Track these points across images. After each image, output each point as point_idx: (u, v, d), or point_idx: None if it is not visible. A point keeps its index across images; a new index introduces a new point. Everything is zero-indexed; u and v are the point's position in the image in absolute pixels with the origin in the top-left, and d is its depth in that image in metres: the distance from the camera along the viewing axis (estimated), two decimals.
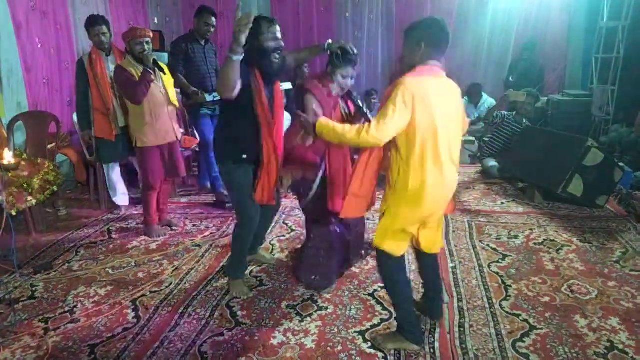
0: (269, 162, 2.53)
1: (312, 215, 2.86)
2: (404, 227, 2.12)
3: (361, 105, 2.59)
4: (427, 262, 2.40)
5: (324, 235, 2.77)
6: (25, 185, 3.40)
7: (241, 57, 2.16)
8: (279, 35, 2.42)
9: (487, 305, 2.63)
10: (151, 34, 3.37)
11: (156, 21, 6.45)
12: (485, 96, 5.90)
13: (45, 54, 4.71)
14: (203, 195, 4.64)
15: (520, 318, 2.51)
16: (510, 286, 2.83)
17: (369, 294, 2.76)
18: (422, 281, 2.50)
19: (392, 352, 2.23)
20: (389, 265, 2.20)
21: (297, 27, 6.29)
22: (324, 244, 2.78)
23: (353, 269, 3.04)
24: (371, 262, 3.13)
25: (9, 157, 3.41)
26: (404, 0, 6.06)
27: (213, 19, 4.17)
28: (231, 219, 4.00)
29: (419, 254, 2.39)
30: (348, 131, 2.01)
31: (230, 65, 2.17)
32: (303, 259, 2.88)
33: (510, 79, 5.92)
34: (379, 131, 1.92)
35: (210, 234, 3.73)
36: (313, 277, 2.80)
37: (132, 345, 2.34)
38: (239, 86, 2.28)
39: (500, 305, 2.64)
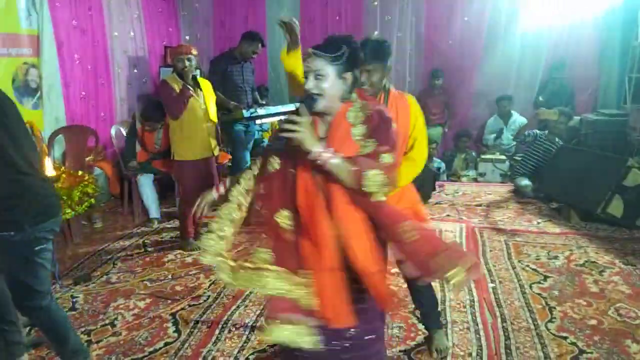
0: None
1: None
2: None
3: None
4: None
5: None
6: (65, 197, 3.47)
7: None
8: None
9: (532, 327, 2.57)
10: (194, 52, 3.43)
11: (187, 38, 6.59)
12: (515, 114, 5.86)
13: (83, 70, 4.82)
14: None
15: (568, 341, 2.44)
16: (554, 308, 2.76)
17: (409, 312, 2.72)
18: None
19: None
20: None
21: (325, 21, 6.30)
22: None
23: (392, 286, 2.99)
24: None
25: (50, 170, 3.49)
26: (432, 21, 6.08)
27: (261, 47, 4.27)
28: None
29: None
30: None
31: None
32: None
33: (540, 99, 5.87)
34: None
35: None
36: None
37: None
38: None
39: (547, 327, 2.57)
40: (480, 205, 4.68)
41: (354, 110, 1.55)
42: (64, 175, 3.63)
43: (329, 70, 1.50)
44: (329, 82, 1.51)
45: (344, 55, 1.50)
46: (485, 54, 6.02)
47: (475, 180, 5.61)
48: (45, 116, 4.39)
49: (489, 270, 3.23)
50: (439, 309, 2.52)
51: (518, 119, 5.84)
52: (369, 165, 1.44)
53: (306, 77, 1.53)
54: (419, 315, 2.54)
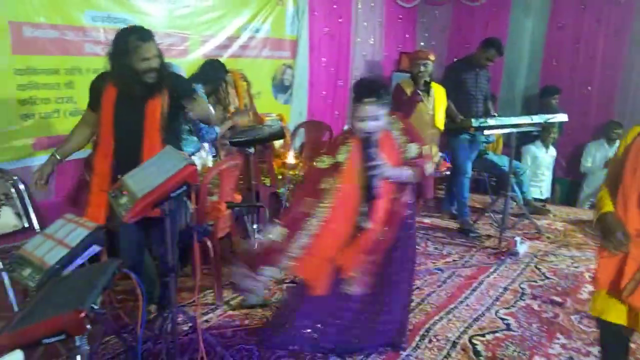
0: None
1: None
2: None
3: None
4: None
5: None
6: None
7: None
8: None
9: None
10: (432, 57, 3.48)
11: (422, 44, 6.69)
12: None
13: (326, 72, 5.36)
14: (446, 219, 4.56)
15: None
16: None
17: None
18: None
19: None
20: None
21: (579, 28, 5.58)
22: None
23: None
24: None
25: (291, 158, 4.00)
26: None
27: (497, 55, 4.07)
28: (474, 249, 3.82)
29: None
30: None
31: None
32: None
33: None
34: None
35: (453, 260, 3.63)
36: None
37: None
38: None
39: None
40: None
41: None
42: (300, 164, 4.10)
43: (381, 112, 2.07)
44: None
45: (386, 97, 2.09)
46: None
47: None
48: (292, 111, 5.05)
49: None
50: None
51: None
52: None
53: (362, 120, 2.08)
54: None
